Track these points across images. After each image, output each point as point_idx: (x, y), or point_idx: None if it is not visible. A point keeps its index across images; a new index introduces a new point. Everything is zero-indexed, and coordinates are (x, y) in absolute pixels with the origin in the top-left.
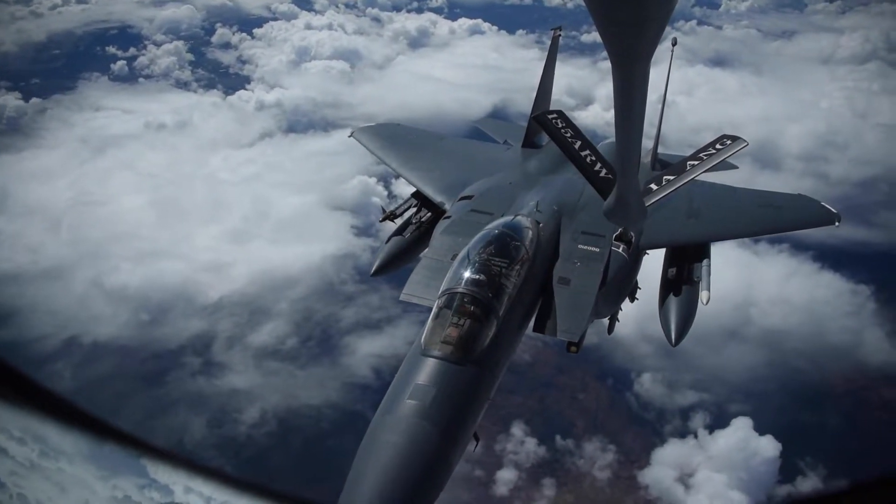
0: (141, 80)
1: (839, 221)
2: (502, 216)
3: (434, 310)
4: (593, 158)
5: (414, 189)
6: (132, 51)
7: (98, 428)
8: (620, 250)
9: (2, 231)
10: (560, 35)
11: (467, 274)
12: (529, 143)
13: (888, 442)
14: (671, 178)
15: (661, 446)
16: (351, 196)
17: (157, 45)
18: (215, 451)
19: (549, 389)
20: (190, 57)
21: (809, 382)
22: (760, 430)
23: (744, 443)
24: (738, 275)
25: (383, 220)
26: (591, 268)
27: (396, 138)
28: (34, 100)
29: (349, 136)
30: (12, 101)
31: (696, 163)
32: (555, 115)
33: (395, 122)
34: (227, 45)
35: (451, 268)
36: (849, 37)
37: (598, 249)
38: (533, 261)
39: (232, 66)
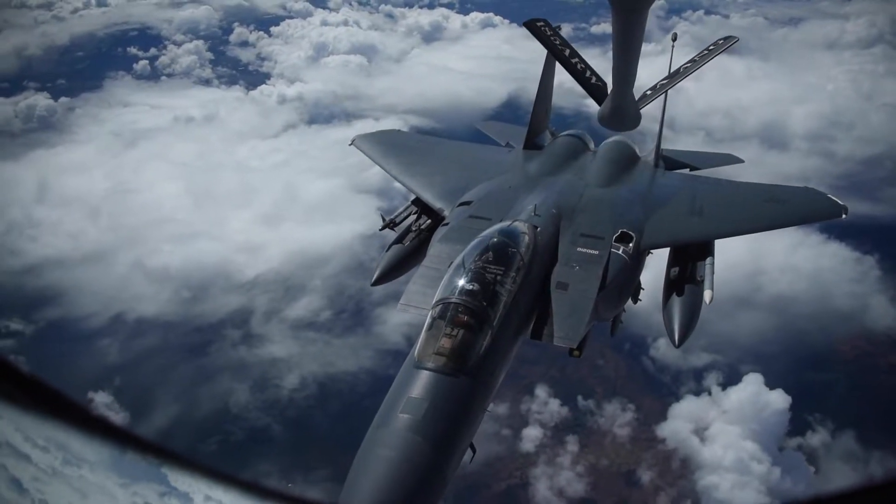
0: (163, 78)
1: (846, 214)
2: (500, 221)
3: (427, 320)
4: (583, 66)
5: (413, 196)
6: (153, 51)
7: (120, 436)
8: (620, 252)
9: (43, 220)
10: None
11: (461, 283)
12: (531, 144)
13: (893, 402)
14: (665, 81)
15: (677, 403)
16: (375, 181)
17: (178, 44)
18: (260, 412)
19: (569, 359)
20: (210, 56)
21: (816, 345)
22: (771, 385)
23: (755, 396)
24: (747, 244)
25: (383, 228)
26: (590, 271)
27: (396, 145)
28: (63, 99)
29: (349, 145)
30: (42, 100)
31: (689, 65)
32: (542, 23)
33: (395, 130)
34: (245, 44)
35: (445, 277)
36: (854, 22)
37: (597, 252)
38: (529, 267)
39: (251, 63)
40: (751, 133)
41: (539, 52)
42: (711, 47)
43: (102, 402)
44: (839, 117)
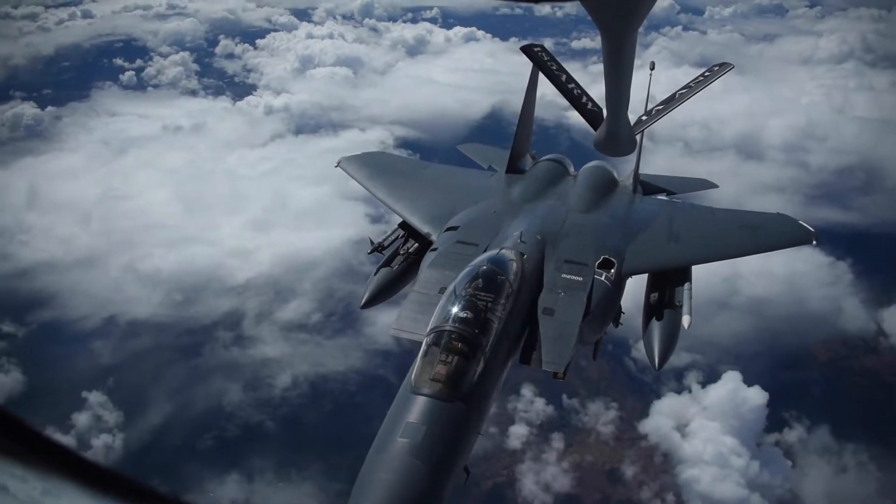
0: (150, 89)
1: (816, 240)
2: (487, 249)
3: (423, 347)
4: (579, 91)
5: (400, 220)
6: (139, 62)
7: (101, 476)
8: (603, 278)
9: (34, 225)
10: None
11: (454, 311)
12: (513, 167)
13: (867, 401)
14: (661, 107)
15: (658, 400)
16: (363, 189)
17: (164, 56)
18: (254, 410)
19: None
20: (196, 67)
21: (792, 346)
22: (749, 383)
23: (734, 393)
24: None
25: (371, 252)
26: (575, 297)
27: (382, 167)
28: (49, 108)
29: (335, 167)
30: (29, 109)
31: (685, 91)
32: (539, 48)
33: (380, 151)
34: (230, 56)
35: (438, 304)
36: (827, 39)
37: (580, 278)
38: (518, 294)
39: (237, 74)
40: (728, 144)
41: (522, 65)
42: (707, 73)
43: (97, 401)
44: (813, 129)
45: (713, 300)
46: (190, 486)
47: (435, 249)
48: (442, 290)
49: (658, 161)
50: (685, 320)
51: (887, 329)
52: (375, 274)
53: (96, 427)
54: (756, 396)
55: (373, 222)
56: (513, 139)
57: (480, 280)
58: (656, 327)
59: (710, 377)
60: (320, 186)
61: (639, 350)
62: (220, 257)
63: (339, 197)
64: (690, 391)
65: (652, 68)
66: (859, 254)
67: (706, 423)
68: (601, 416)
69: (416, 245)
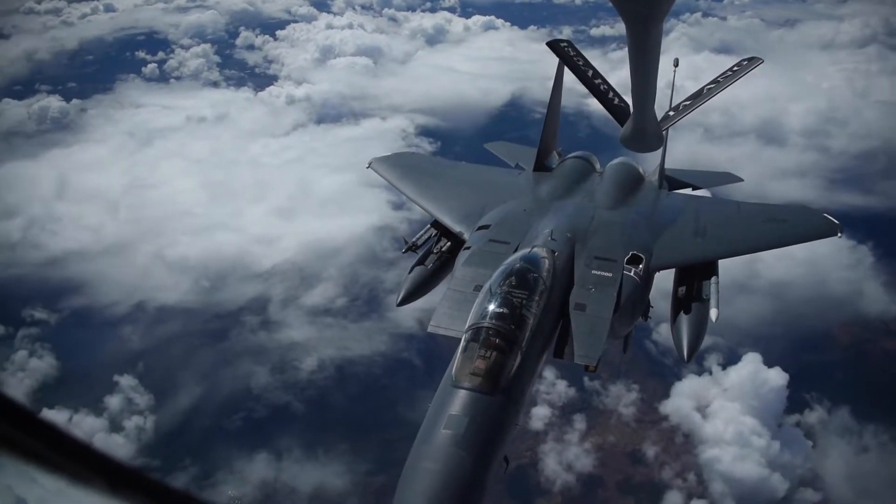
0: (172, 80)
1: (841, 233)
2: (518, 247)
3: (462, 343)
4: (605, 87)
5: (433, 219)
6: (161, 55)
7: (120, 472)
8: (632, 273)
9: (63, 215)
10: (565, 46)
11: (491, 308)
12: (540, 165)
13: (889, 384)
14: (688, 102)
15: (678, 382)
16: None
17: (185, 48)
18: (281, 392)
19: None
20: (217, 59)
21: (813, 328)
22: (769, 364)
23: (754, 374)
24: None
25: (405, 251)
26: (606, 293)
27: (411, 168)
28: (75, 101)
29: (367, 168)
30: (54, 102)
31: (713, 86)
32: (566, 44)
33: (409, 151)
34: (251, 47)
35: (475, 302)
36: (849, 23)
37: (610, 274)
38: (551, 290)
39: (258, 65)
40: (748, 129)
41: (541, 53)
42: (735, 68)
43: (128, 384)
44: (834, 114)
45: (734, 283)
46: (219, 465)
47: (468, 248)
48: (477, 288)
49: (679, 147)
50: (713, 313)
51: None
52: (410, 272)
53: (128, 409)
54: (776, 378)
55: (395, 209)
56: (540, 137)
57: (514, 278)
58: (684, 320)
59: (731, 359)
60: (343, 174)
61: (660, 333)
62: (246, 244)
63: (361, 185)
64: (711, 373)
65: (676, 65)
66: (880, 237)
67: (727, 404)
68: (622, 398)
69: (449, 244)
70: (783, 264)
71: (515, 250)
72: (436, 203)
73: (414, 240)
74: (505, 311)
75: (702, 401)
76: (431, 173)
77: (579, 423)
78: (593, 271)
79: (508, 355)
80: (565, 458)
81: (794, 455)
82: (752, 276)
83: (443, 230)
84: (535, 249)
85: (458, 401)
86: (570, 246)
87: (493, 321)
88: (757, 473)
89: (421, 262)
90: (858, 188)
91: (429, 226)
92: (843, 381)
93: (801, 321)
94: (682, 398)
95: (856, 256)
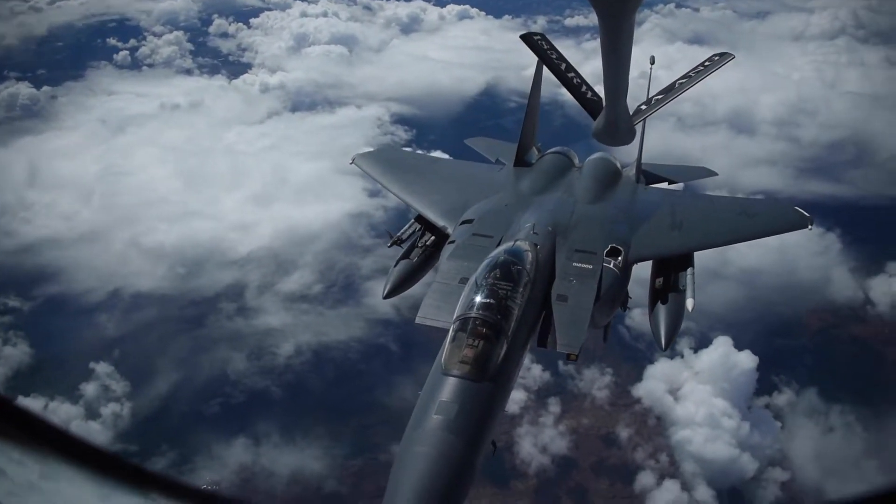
0: (144, 68)
1: (812, 225)
2: (501, 240)
3: (450, 333)
4: (578, 80)
5: (416, 214)
6: (132, 42)
7: (99, 458)
8: (612, 265)
9: (35, 202)
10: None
11: (478, 299)
12: (521, 160)
13: (855, 368)
14: (661, 97)
15: (651, 365)
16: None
17: (157, 35)
18: (258, 377)
19: None
20: (190, 46)
21: (783, 314)
22: (740, 348)
23: (725, 358)
24: None
25: (391, 245)
26: (586, 284)
27: (394, 163)
28: (45, 88)
29: (350, 164)
30: (24, 89)
31: (684, 80)
32: (539, 37)
33: (391, 147)
34: (225, 35)
35: (462, 294)
36: (819, 15)
37: (591, 266)
38: (534, 282)
39: (232, 53)
40: (720, 119)
41: (515, 42)
42: (707, 63)
43: (104, 371)
44: (804, 105)
45: (706, 270)
46: (198, 450)
47: (452, 242)
48: (462, 280)
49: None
50: (689, 303)
51: (874, 298)
52: (395, 266)
53: (104, 396)
54: (747, 361)
55: (371, 196)
56: (520, 133)
57: (499, 270)
58: (662, 310)
59: (702, 343)
60: (318, 162)
61: (632, 318)
62: (222, 231)
63: (337, 172)
64: (683, 356)
65: (652, 63)
66: (848, 225)
67: (698, 387)
68: (596, 382)
69: (433, 238)
70: (754, 252)
71: (498, 244)
72: (419, 198)
73: (399, 234)
74: (491, 301)
75: (674, 384)
76: (414, 169)
77: (554, 406)
78: (574, 264)
79: (495, 344)
80: (540, 440)
81: (764, 436)
82: (723, 264)
83: (426, 224)
84: (518, 243)
85: (448, 388)
86: (552, 239)
87: (480, 312)
88: (727, 454)
89: (406, 255)
90: (827, 177)
91: (412, 220)
92: (812, 365)
93: (771, 307)
94: (655, 381)
95: (824, 244)
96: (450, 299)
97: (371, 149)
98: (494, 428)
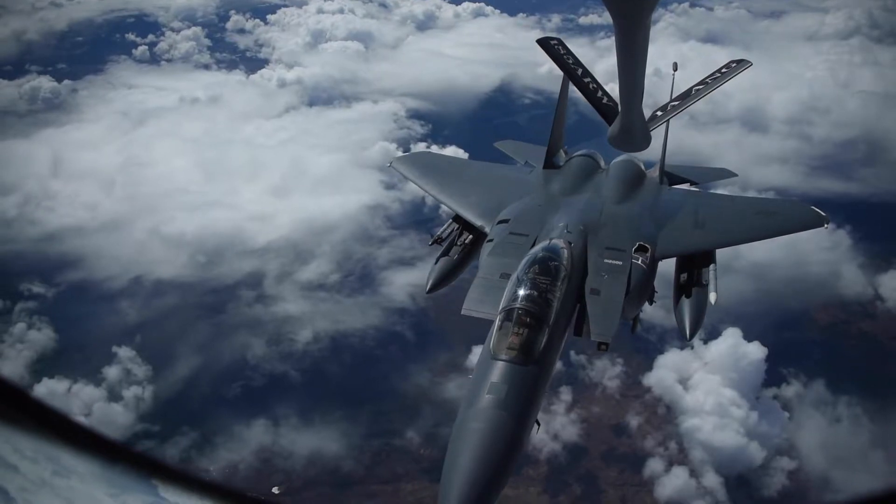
0: (163, 63)
1: (828, 224)
2: (537, 239)
3: (497, 322)
4: (594, 85)
5: (454, 214)
6: (151, 37)
7: (110, 449)
8: (640, 262)
9: (59, 192)
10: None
11: (521, 292)
12: (549, 163)
13: (863, 362)
14: (676, 103)
15: (661, 355)
16: (376, 158)
17: (175, 31)
18: (278, 362)
19: None
20: (207, 42)
21: (792, 308)
22: (749, 339)
23: (734, 349)
24: None
25: (432, 243)
26: (617, 279)
27: (429, 167)
28: (66, 81)
29: (388, 166)
30: (45, 82)
31: (701, 87)
32: (556, 42)
33: (425, 151)
34: (242, 31)
35: (506, 287)
36: (833, 15)
37: (620, 263)
38: (570, 277)
39: (249, 49)
40: (733, 117)
41: (530, 40)
42: (724, 70)
43: (126, 356)
44: (817, 103)
45: (718, 264)
46: (218, 431)
47: (491, 240)
48: (503, 276)
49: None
50: (712, 297)
51: (883, 294)
52: (436, 263)
53: (126, 380)
54: (756, 352)
55: (387, 189)
56: (549, 137)
57: (538, 266)
58: (686, 304)
59: (712, 334)
60: (336, 155)
61: (643, 310)
62: (242, 221)
63: (354, 165)
64: (692, 347)
65: (675, 69)
66: (858, 222)
67: (707, 377)
68: (607, 371)
69: (471, 237)
70: (765, 246)
71: (534, 242)
72: (457, 199)
73: (439, 234)
74: (533, 294)
75: (683, 374)
76: (449, 171)
77: (565, 395)
78: (605, 260)
79: (538, 332)
80: (552, 428)
81: (771, 425)
82: (735, 258)
83: (464, 224)
84: (554, 241)
85: (498, 371)
86: (584, 237)
87: (524, 303)
88: (735, 442)
89: (445, 253)
90: (838, 175)
91: (450, 220)
92: (820, 358)
93: (781, 301)
94: (665, 371)
95: (834, 240)
96: (491, 293)
97: (403, 153)
98: (539, 406)
